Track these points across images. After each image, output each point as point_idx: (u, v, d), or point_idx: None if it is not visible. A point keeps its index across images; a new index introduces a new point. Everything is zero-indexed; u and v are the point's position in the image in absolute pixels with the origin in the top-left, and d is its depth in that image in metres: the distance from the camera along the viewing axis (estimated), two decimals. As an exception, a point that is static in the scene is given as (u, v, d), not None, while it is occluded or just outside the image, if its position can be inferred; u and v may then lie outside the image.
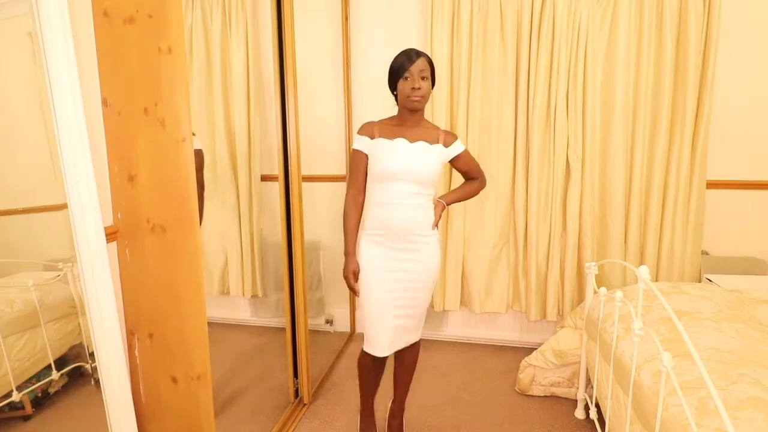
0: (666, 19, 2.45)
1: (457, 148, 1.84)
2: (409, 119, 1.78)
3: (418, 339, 1.94)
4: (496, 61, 2.63)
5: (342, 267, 1.83)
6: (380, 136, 1.77)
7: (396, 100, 1.80)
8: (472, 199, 2.03)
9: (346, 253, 1.82)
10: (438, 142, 1.80)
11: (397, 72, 1.72)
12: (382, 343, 1.82)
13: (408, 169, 1.73)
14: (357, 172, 1.82)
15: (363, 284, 1.81)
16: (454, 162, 1.87)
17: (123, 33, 1.26)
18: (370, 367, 1.95)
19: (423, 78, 1.70)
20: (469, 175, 1.94)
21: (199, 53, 2.80)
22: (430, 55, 1.82)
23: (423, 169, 1.74)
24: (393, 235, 1.77)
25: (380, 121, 1.83)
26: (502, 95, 2.66)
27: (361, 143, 1.80)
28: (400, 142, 1.76)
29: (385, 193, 1.76)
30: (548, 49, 2.55)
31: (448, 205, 1.88)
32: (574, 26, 2.51)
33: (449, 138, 1.83)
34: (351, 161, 1.83)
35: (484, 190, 1.99)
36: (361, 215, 1.83)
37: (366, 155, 1.79)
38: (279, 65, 2.11)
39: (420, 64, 1.69)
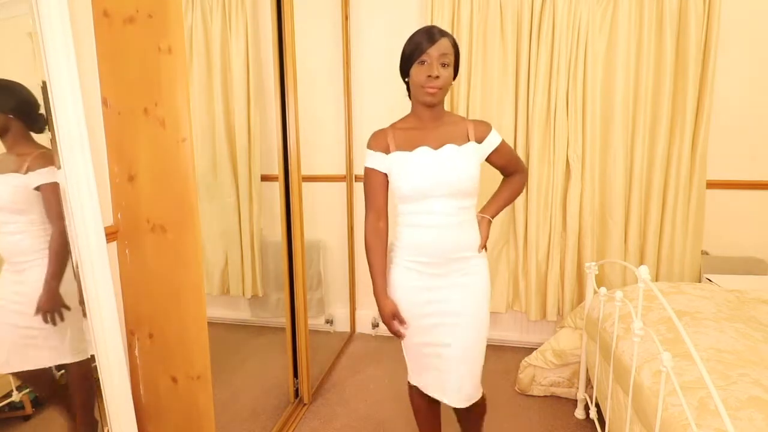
0: (666, 19, 2.45)
1: (493, 141, 1.48)
2: (426, 117, 1.45)
3: (478, 396, 1.54)
4: (496, 60, 2.63)
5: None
6: (397, 149, 1.44)
7: (408, 90, 1.47)
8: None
9: (377, 294, 1.50)
10: (469, 140, 1.45)
11: (411, 54, 1.37)
12: (424, 383, 1.58)
13: (439, 183, 1.40)
14: (374, 194, 1.49)
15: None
16: (490, 157, 1.52)
17: (123, 33, 1.26)
18: (424, 408, 1.67)
19: (444, 64, 1.36)
20: (507, 170, 1.59)
21: (199, 53, 2.80)
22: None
23: (458, 178, 1.40)
24: (435, 260, 1.46)
25: (392, 126, 1.49)
26: (502, 95, 2.66)
27: (374, 160, 1.47)
28: (423, 153, 1.42)
29: (418, 215, 1.45)
30: (548, 49, 2.55)
31: (493, 218, 1.56)
32: (574, 26, 2.51)
33: (481, 129, 1.48)
34: (365, 181, 1.50)
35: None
36: (386, 244, 1.52)
37: (384, 174, 1.47)
38: (279, 65, 2.11)
39: (443, 45, 1.35)
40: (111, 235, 1.31)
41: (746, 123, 2.57)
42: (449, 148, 1.43)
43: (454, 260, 1.46)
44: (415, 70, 1.38)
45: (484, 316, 1.50)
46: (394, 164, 1.44)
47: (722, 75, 2.50)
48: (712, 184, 2.61)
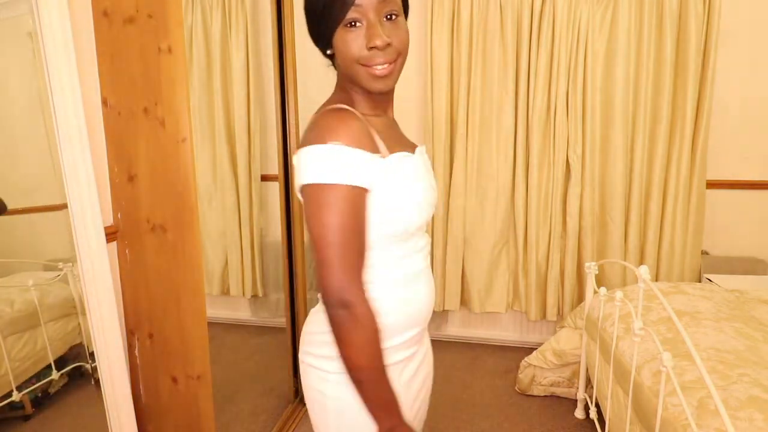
0: (666, 19, 2.45)
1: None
2: (380, 103, 0.91)
3: None
4: (496, 61, 2.63)
5: None
6: (394, 150, 0.85)
7: (333, 64, 0.92)
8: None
9: (394, 417, 0.81)
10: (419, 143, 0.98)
11: (328, 11, 0.78)
12: None
13: (435, 208, 0.93)
14: (357, 236, 0.78)
15: None
16: None
17: (123, 33, 1.26)
18: None
19: (391, 16, 0.79)
20: None
21: (199, 53, 2.80)
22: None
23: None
24: (423, 329, 0.96)
25: (349, 110, 0.86)
26: (502, 95, 2.66)
27: (352, 168, 0.77)
28: (419, 156, 0.92)
29: (409, 259, 0.88)
30: (548, 49, 2.55)
31: None
32: (574, 26, 2.51)
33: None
34: (331, 212, 0.76)
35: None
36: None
37: (366, 191, 0.79)
38: (279, 65, 2.11)
39: None
40: (111, 235, 1.31)
41: (746, 123, 2.57)
42: (423, 152, 0.95)
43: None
44: (342, 38, 0.79)
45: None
46: (391, 175, 0.82)
47: (722, 75, 2.50)
48: (712, 184, 2.61)
